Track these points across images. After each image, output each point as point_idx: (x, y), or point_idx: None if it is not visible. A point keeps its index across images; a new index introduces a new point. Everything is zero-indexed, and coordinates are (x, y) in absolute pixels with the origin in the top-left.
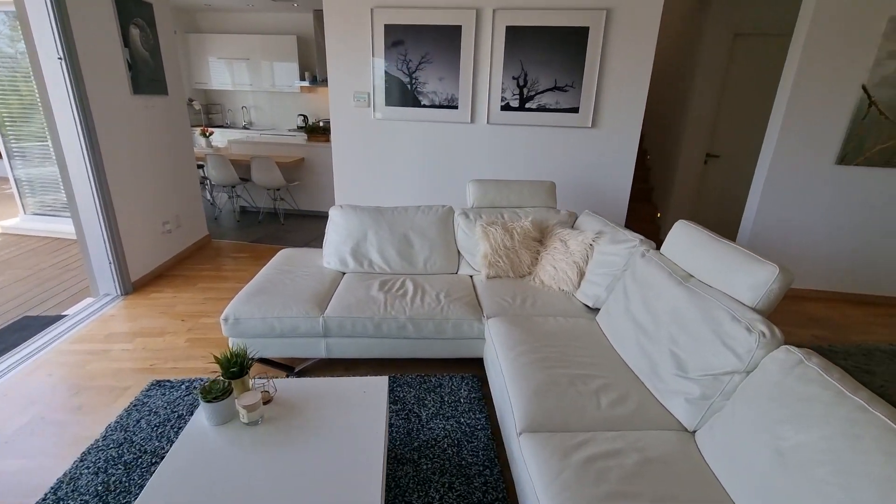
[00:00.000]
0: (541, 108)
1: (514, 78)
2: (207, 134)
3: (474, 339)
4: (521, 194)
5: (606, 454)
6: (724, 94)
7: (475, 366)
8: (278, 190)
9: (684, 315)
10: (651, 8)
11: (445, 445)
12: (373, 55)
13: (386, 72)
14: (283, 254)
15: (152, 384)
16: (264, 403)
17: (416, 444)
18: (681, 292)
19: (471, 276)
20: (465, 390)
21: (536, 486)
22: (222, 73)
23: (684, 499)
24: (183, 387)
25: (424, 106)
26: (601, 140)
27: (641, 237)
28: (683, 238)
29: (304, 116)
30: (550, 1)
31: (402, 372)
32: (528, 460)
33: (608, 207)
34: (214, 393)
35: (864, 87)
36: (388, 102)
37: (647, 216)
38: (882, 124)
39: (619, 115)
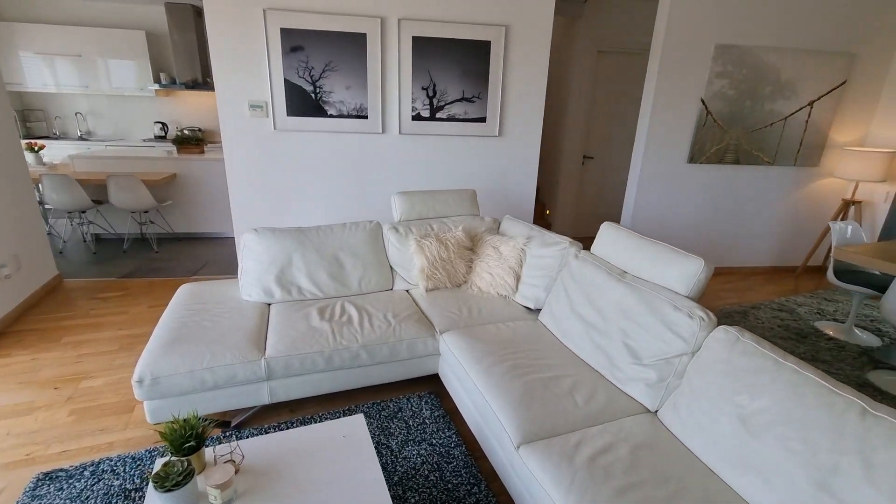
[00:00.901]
0: (451, 118)
1: (423, 88)
2: (36, 148)
3: (429, 357)
4: (447, 204)
5: (603, 450)
6: (595, 102)
7: (428, 383)
8: (146, 212)
9: (631, 309)
10: (542, 26)
11: (426, 472)
12: (269, 61)
13: (286, 79)
14: (186, 290)
15: (39, 479)
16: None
17: (396, 478)
18: (623, 288)
19: (407, 291)
20: (426, 410)
21: (554, 494)
22: (40, 72)
23: (677, 475)
24: (87, 474)
25: (332, 116)
26: (508, 147)
27: (570, 239)
28: (611, 238)
29: (163, 124)
30: (453, 14)
31: (352, 403)
32: (536, 472)
33: (517, 210)
34: (174, 478)
35: (702, 100)
36: (291, 112)
37: (538, 213)
38: (716, 130)
39: (522, 124)
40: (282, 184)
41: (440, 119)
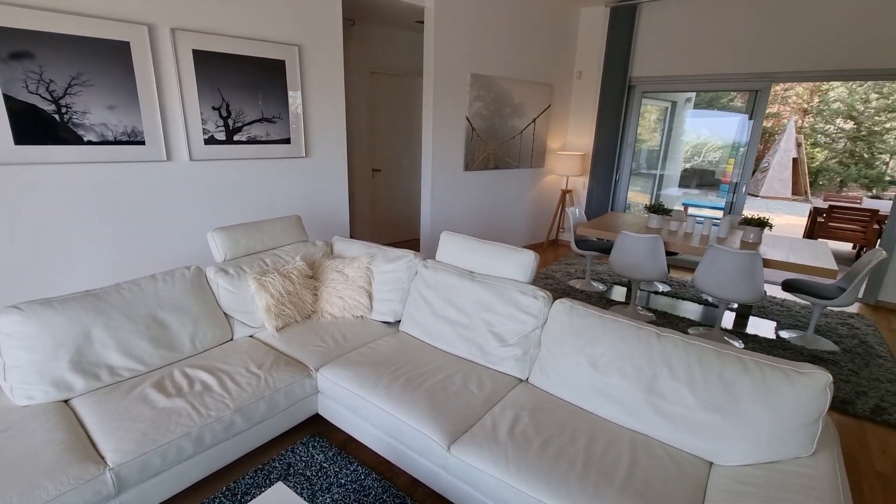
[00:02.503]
0: (253, 140)
1: (214, 108)
2: None
3: (307, 399)
4: (275, 234)
5: (513, 422)
6: (375, 119)
7: (306, 427)
8: None
9: (488, 302)
10: (334, 48)
11: None
12: None
13: (6, 95)
14: None
15: None
16: None
17: None
18: (477, 286)
19: (252, 336)
20: (318, 454)
21: (499, 474)
22: None
23: (568, 422)
24: None
25: (91, 143)
26: (317, 168)
27: (413, 251)
28: (452, 244)
29: None
30: (239, 30)
31: (229, 481)
32: (476, 463)
33: (336, 229)
34: None
35: (467, 118)
36: (22, 139)
37: None
38: (479, 142)
39: (328, 144)
40: (30, 236)
41: (239, 142)
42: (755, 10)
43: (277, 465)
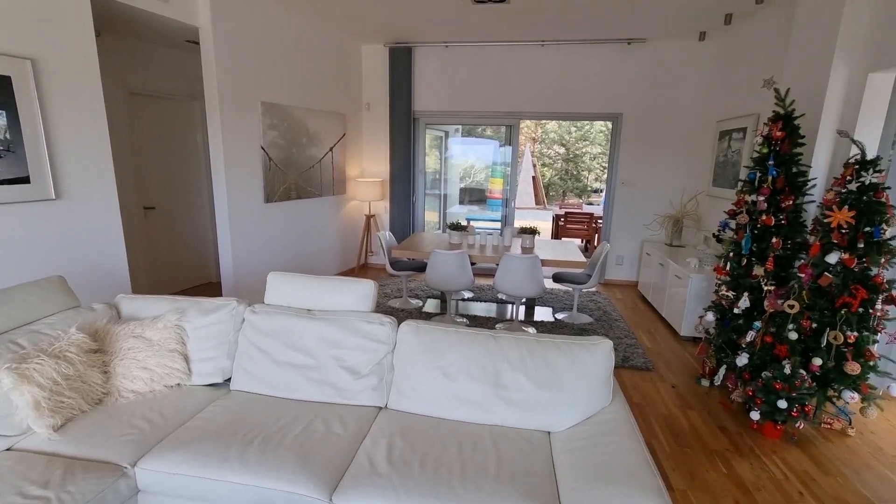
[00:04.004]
0: None
1: None
2: None
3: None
4: (29, 305)
5: (387, 452)
6: (142, 148)
7: None
8: None
9: (334, 338)
10: (86, 63)
11: None
12: None
13: None
14: None
15: None
16: None
17: None
18: (320, 324)
19: (9, 449)
20: None
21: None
22: None
23: (434, 433)
24: None
25: None
26: (74, 212)
27: (235, 298)
28: (283, 284)
29: None
30: None
31: None
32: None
33: (112, 287)
34: None
35: (262, 148)
36: None
37: None
38: (279, 173)
39: (89, 180)
40: None
41: None
42: (502, 63)
43: None
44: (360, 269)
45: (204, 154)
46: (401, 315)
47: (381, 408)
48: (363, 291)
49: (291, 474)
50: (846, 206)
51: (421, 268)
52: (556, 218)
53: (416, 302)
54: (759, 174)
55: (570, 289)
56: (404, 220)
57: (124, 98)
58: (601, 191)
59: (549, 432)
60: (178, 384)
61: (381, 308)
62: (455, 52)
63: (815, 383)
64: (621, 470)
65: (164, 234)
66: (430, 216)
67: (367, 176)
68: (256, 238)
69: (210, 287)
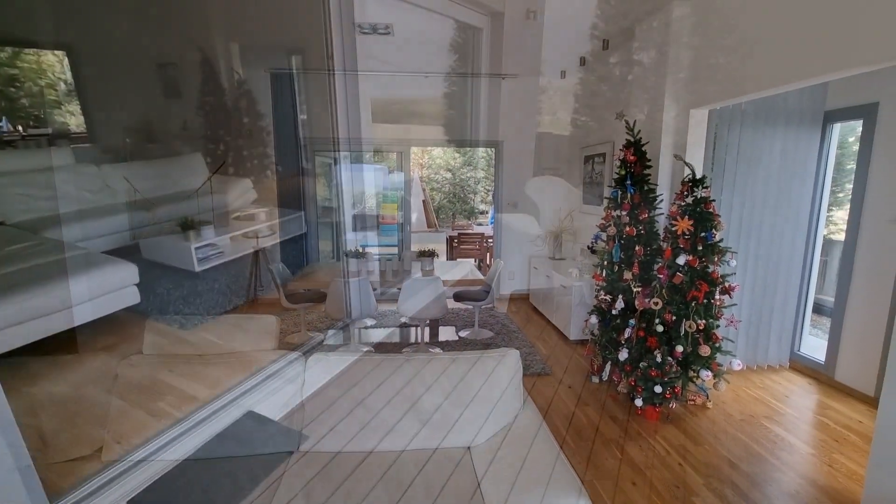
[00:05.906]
0: None
1: None
2: None
3: None
4: None
5: (307, 499)
6: None
7: None
8: None
9: (235, 384)
10: None
11: None
12: None
13: None
14: None
15: None
16: None
17: None
18: (213, 370)
19: None
20: None
21: None
22: None
23: (357, 469)
24: None
25: None
26: None
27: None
28: (164, 329)
29: None
30: None
31: None
32: None
33: None
34: None
35: (125, 179)
36: None
37: None
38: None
39: None
40: None
41: None
42: (393, 91)
43: None
44: (250, 305)
45: None
46: (302, 350)
47: (291, 452)
48: (265, 327)
49: None
50: (686, 216)
51: (320, 298)
52: (450, 239)
53: (317, 335)
54: (619, 192)
55: (471, 306)
56: (297, 252)
57: None
58: (487, 212)
59: (468, 447)
60: None
61: (280, 346)
62: (338, 78)
63: (679, 367)
64: (542, 474)
65: None
66: (325, 245)
67: (254, 206)
68: None
69: None
